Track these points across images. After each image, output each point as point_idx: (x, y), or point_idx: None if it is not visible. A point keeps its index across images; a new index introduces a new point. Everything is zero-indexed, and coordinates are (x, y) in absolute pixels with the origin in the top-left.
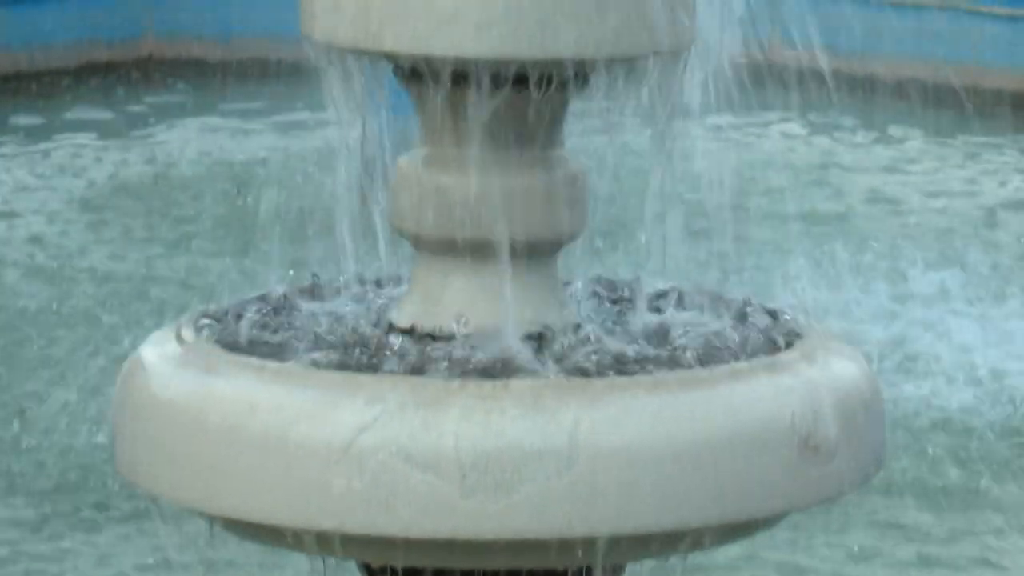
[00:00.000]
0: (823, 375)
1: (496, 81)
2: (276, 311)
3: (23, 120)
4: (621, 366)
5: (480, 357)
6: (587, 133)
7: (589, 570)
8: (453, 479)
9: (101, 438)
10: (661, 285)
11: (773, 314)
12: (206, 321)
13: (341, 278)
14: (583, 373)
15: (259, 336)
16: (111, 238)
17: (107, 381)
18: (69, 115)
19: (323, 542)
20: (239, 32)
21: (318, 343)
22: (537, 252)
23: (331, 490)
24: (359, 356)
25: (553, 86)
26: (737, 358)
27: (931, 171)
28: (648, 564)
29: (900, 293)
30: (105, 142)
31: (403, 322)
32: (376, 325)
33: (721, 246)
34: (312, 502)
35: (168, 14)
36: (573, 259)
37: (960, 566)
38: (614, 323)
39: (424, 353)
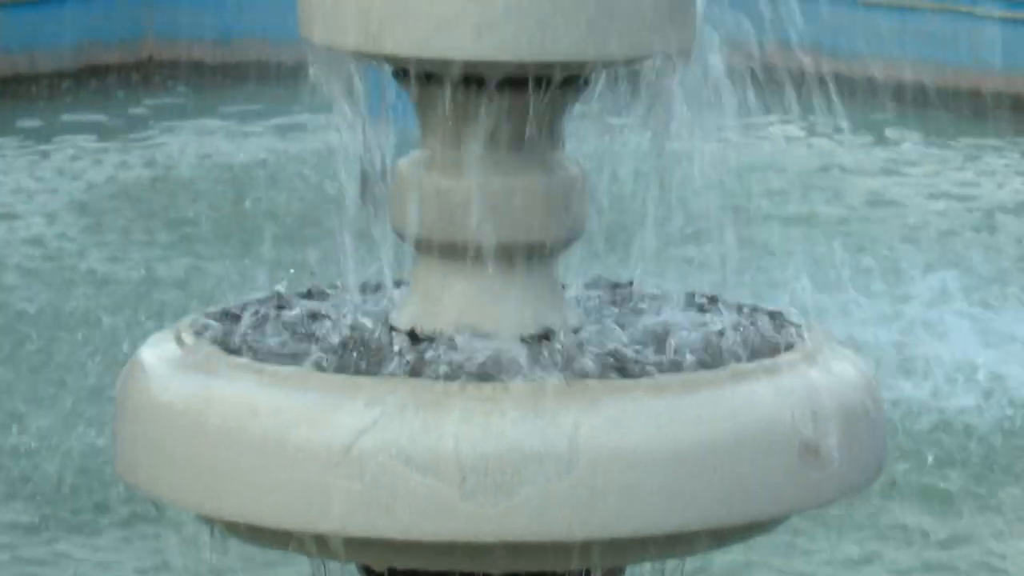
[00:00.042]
0: (824, 378)
1: (496, 84)
2: (276, 313)
3: (23, 122)
4: (621, 368)
5: (479, 360)
6: (587, 135)
7: (589, 573)
8: (453, 481)
9: (101, 441)
10: (661, 287)
11: (773, 316)
12: (206, 323)
13: (340, 280)
14: (583, 376)
15: (259, 339)
16: (111, 240)
17: (107, 384)
18: (69, 117)
19: (323, 544)
20: (239, 34)
21: (318, 346)
22: (537, 254)
23: (331, 493)
24: (359, 359)
25: (553, 88)
26: (738, 361)
27: (931, 173)
28: (647, 567)
29: (900, 295)
30: (105, 144)
31: (403, 324)
32: (376, 327)
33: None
34: (312, 505)
35: (168, 17)
36: (573, 261)
37: (962, 570)
38: (614, 325)
39: (422, 355)
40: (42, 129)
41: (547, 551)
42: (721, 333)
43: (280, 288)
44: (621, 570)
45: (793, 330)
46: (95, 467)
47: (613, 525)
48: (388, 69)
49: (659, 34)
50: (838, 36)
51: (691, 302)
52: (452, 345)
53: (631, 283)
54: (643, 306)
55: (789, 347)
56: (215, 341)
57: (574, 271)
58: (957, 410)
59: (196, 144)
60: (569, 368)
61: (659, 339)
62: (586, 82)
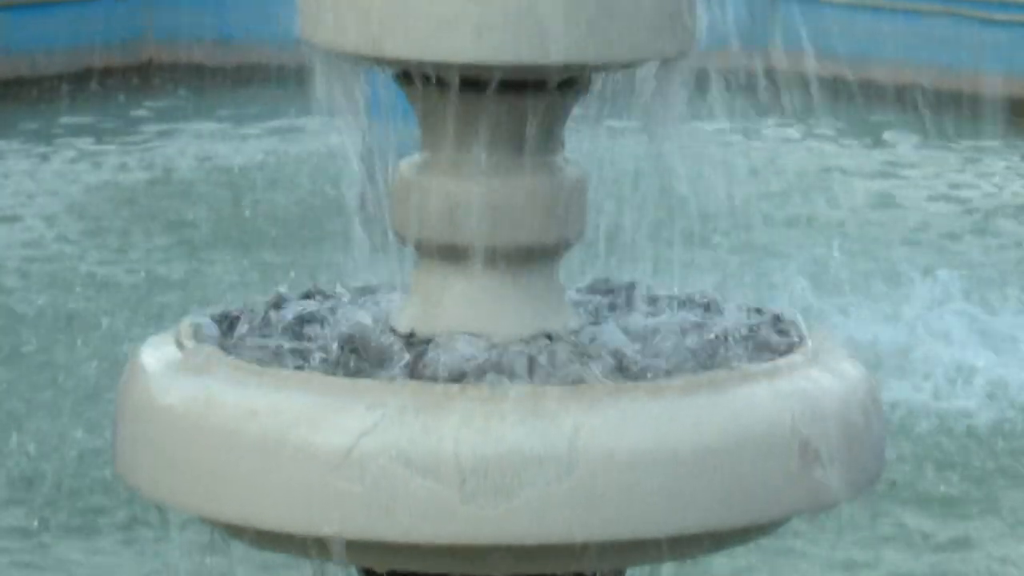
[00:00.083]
0: (824, 380)
1: (496, 86)
2: (276, 316)
3: (23, 125)
4: (621, 371)
5: (477, 362)
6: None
7: None
8: (453, 484)
9: (100, 443)
10: (660, 289)
11: (774, 318)
12: (206, 325)
13: (340, 283)
14: (582, 378)
15: (259, 341)
16: (110, 243)
17: (106, 386)
18: (69, 120)
19: (323, 547)
20: (239, 37)
21: (318, 348)
22: (537, 257)
23: (331, 495)
24: (358, 361)
25: (553, 91)
26: (738, 363)
27: (930, 175)
28: (645, 570)
29: (900, 297)
30: (105, 147)
31: (403, 327)
32: (376, 330)
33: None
34: (312, 507)
35: (168, 19)
36: (573, 263)
37: (963, 574)
38: (614, 327)
39: (421, 358)
40: (42, 131)
41: (547, 553)
42: (721, 335)
43: (280, 290)
44: (621, 572)
45: (793, 332)
46: (94, 470)
47: (613, 527)
48: (389, 72)
49: (659, 37)
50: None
51: (691, 304)
52: (451, 348)
53: (631, 285)
54: (643, 308)
55: (789, 349)
56: (215, 343)
57: (574, 273)
58: (957, 412)
59: (196, 146)
60: (568, 371)
61: (659, 341)
62: (586, 85)
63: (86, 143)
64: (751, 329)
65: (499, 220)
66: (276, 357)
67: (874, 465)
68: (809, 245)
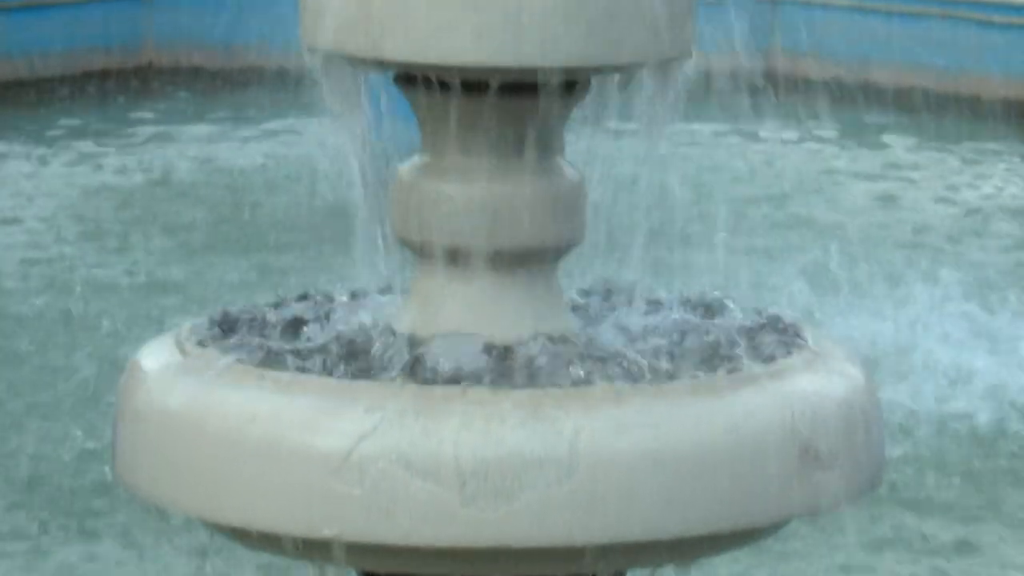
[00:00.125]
0: (824, 382)
1: (496, 89)
2: (276, 318)
3: (23, 127)
4: (621, 373)
5: (475, 365)
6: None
7: None
8: (453, 487)
9: (100, 446)
10: (660, 291)
11: (773, 320)
12: (206, 328)
13: (339, 285)
14: (582, 381)
15: (259, 343)
16: (110, 245)
17: (105, 389)
18: (68, 122)
19: (323, 550)
20: (238, 40)
21: (318, 351)
22: (537, 259)
23: (331, 498)
24: (359, 364)
25: (553, 94)
26: (738, 365)
27: (930, 177)
28: (646, 573)
29: (899, 298)
30: (104, 149)
31: (403, 330)
32: (376, 332)
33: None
34: (312, 510)
35: (168, 22)
36: (572, 265)
37: None
38: (614, 330)
39: (420, 360)
40: (41, 134)
41: (547, 556)
42: (721, 337)
43: (280, 292)
44: (621, 575)
45: (793, 334)
46: (94, 473)
47: (613, 530)
48: (389, 74)
49: (659, 39)
50: (838, 41)
51: (691, 305)
52: (450, 350)
53: (631, 286)
54: (643, 309)
55: (789, 352)
56: (215, 346)
57: (574, 275)
58: (957, 414)
59: (195, 149)
60: (568, 373)
61: (659, 343)
62: (585, 87)
63: (85, 145)
64: (751, 331)
65: (499, 223)
66: (276, 360)
67: (874, 468)
68: (808, 247)
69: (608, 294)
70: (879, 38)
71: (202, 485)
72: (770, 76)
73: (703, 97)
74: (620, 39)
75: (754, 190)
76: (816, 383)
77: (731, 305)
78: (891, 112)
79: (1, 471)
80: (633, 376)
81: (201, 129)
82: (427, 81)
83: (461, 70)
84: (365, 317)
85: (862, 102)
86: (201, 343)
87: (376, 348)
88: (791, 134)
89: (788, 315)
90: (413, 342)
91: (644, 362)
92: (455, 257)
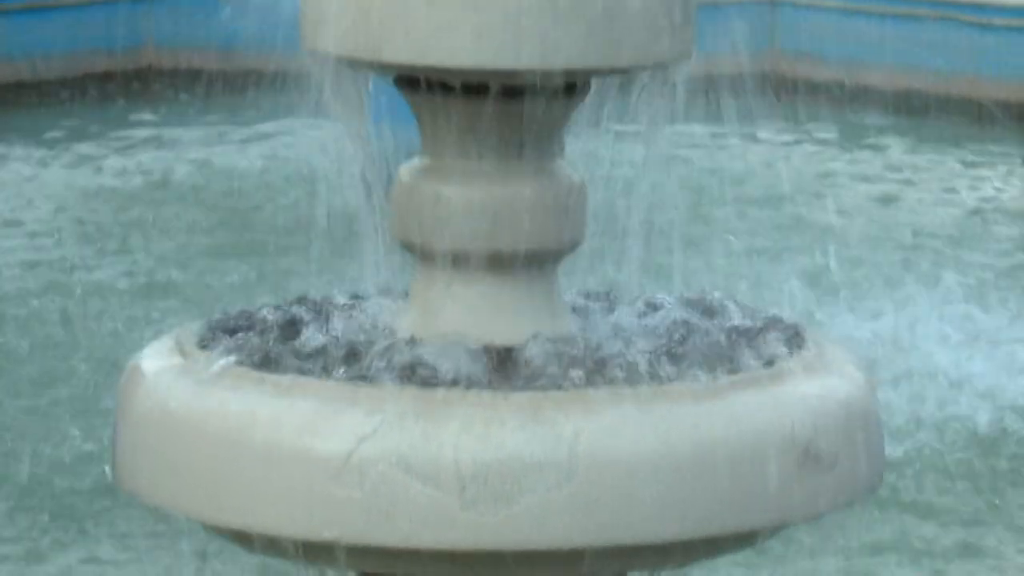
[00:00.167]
0: (823, 384)
1: (495, 91)
2: (276, 321)
3: (24, 129)
4: (619, 376)
5: (474, 367)
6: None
7: None
8: (453, 490)
9: (99, 449)
10: (659, 293)
11: (773, 323)
12: (206, 331)
13: (340, 288)
14: (582, 383)
15: (259, 346)
16: (110, 247)
17: (105, 392)
18: (69, 125)
19: (323, 552)
20: (239, 43)
21: (318, 353)
22: (537, 262)
23: (331, 500)
24: (359, 366)
25: (553, 96)
26: (737, 367)
27: (927, 180)
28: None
29: (899, 301)
30: (104, 152)
31: (403, 332)
32: (377, 335)
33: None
34: (312, 512)
35: (168, 25)
36: (572, 267)
37: None
38: (614, 332)
39: (420, 363)
40: (42, 136)
41: (547, 559)
42: (721, 339)
43: (280, 295)
44: None
45: (792, 337)
46: (92, 476)
47: (613, 533)
48: (389, 76)
49: (659, 42)
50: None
51: (691, 307)
52: (450, 353)
53: (630, 289)
54: (642, 312)
55: (789, 353)
56: (215, 348)
57: (575, 277)
58: (957, 417)
59: (195, 151)
60: (568, 376)
61: (659, 345)
62: (586, 90)
63: (85, 147)
64: (751, 333)
65: (499, 225)
66: (276, 362)
67: (874, 470)
68: (807, 249)
69: (608, 296)
70: (878, 40)
71: (202, 488)
72: (769, 78)
73: (702, 99)
74: (620, 41)
75: (753, 192)
76: (816, 385)
77: (731, 307)
78: (890, 114)
79: None
80: (633, 379)
81: (201, 132)
82: (427, 83)
83: (461, 72)
84: (365, 320)
85: (861, 104)
86: (201, 346)
87: (376, 351)
88: (790, 136)
89: (788, 316)
90: (413, 345)
91: (644, 364)
92: (455, 259)
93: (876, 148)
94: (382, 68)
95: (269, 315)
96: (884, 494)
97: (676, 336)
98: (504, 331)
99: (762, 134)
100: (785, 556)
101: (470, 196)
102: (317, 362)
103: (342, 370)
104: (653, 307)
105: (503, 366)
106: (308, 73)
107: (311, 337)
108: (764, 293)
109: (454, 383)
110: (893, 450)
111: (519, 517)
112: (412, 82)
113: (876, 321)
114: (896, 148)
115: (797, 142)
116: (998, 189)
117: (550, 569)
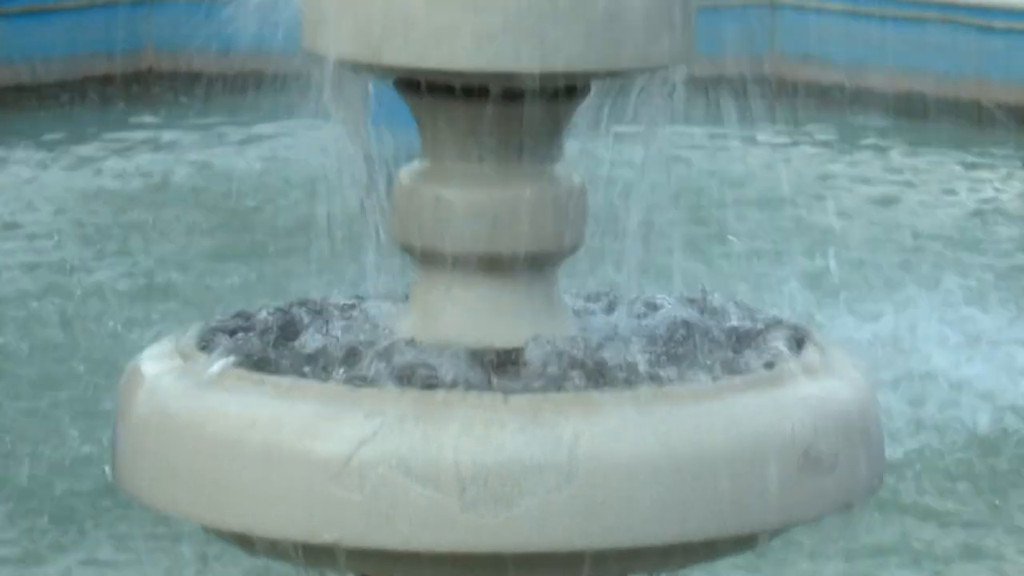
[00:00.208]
0: (824, 387)
1: (495, 94)
2: (276, 324)
3: (24, 132)
4: (619, 378)
5: (475, 370)
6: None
7: None
8: (453, 492)
9: (98, 452)
10: (659, 295)
11: (773, 324)
12: (206, 334)
13: (340, 291)
14: (582, 386)
15: (259, 349)
16: (110, 250)
17: (104, 395)
18: (69, 127)
19: (323, 555)
20: (239, 46)
21: (318, 356)
22: (537, 264)
23: (331, 503)
24: (358, 369)
25: (553, 99)
26: (737, 369)
27: (929, 182)
28: None
29: (899, 303)
30: (104, 154)
31: (403, 335)
32: (376, 338)
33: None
34: (313, 515)
35: (168, 27)
36: (572, 269)
37: None
38: (614, 334)
39: (418, 366)
40: (42, 139)
41: (547, 562)
42: (721, 341)
43: (280, 297)
44: None
45: (793, 337)
46: (91, 479)
47: (613, 536)
48: (389, 79)
49: (659, 44)
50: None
51: (690, 309)
52: (450, 356)
53: (630, 291)
54: (642, 313)
55: (789, 355)
56: (215, 351)
57: (574, 279)
58: (957, 418)
59: (195, 154)
60: (568, 378)
61: (659, 347)
62: (585, 92)
63: (85, 150)
64: (751, 334)
65: (499, 227)
66: (276, 365)
67: (874, 472)
68: (807, 251)
69: (608, 297)
70: (878, 43)
71: (202, 490)
72: (769, 80)
73: (702, 101)
74: (619, 44)
75: (753, 193)
76: (816, 387)
77: (731, 308)
78: (890, 116)
79: None
80: (633, 380)
81: (201, 134)
82: (427, 86)
83: (461, 75)
84: (365, 322)
85: (861, 106)
86: (201, 347)
87: (376, 353)
88: (790, 138)
89: (788, 318)
90: (413, 347)
91: (644, 366)
92: (455, 262)
93: (876, 150)
94: (382, 71)
95: (269, 317)
96: (884, 496)
97: (676, 337)
98: (504, 333)
99: (762, 136)
100: (785, 559)
101: (470, 199)
102: (317, 364)
103: (342, 372)
104: (653, 308)
105: (503, 368)
106: (308, 76)
107: (311, 339)
108: (764, 295)
109: (454, 385)
110: (893, 452)
111: (519, 519)
112: (412, 85)
113: (876, 323)
114: (896, 150)
115: (797, 144)
116: (998, 191)
117: (550, 571)
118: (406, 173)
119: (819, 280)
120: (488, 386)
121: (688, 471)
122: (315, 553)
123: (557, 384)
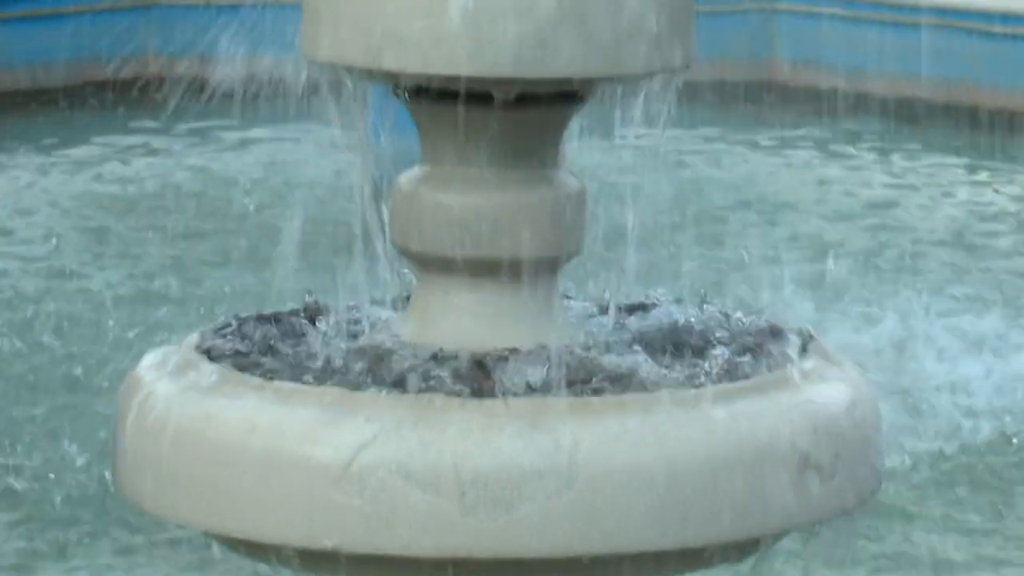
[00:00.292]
0: (823, 392)
1: (496, 99)
2: (275, 329)
3: (24, 137)
4: (619, 383)
5: (475, 375)
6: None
7: None
8: (452, 497)
9: (96, 459)
10: (658, 299)
11: (772, 329)
12: (206, 339)
13: (340, 296)
14: (582, 391)
15: (259, 354)
16: (110, 255)
17: (103, 401)
18: (69, 132)
19: (323, 560)
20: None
21: (318, 361)
22: (537, 269)
23: (331, 508)
24: (357, 374)
25: (553, 104)
26: (737, 374)
27: (928, 187)
28: None
29: (899, 308)
30: (105, 159)
31: (403, 340)
32: (375, 343)
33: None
34: (312, 520)
35: (169, 33)
36: (572, 272)
37: None
38: (614, 339)
39: (418, 371)
40: (42, 143)
41: (547, 567)
42: (720, 346)
43: (280, 304)
44: None
45: (793, 343)
46: (89, 486)
47: (613, 540)
48: (389, 85)
49: (660, 50)
50: (836, 51)
51: (690, 314)
52: (451, 361)
53: (629, 294)
54: (641, 318)
55: (789, 360)
56: (215, 356)
57: (574, 283)
58: (957, 424)
59: (195, 159)
60: (567, 382)
61: (658, 352)
62: (586, 98)
63: (85, 155)
64: (751, 340)
65: (499, 232)
66: (275, 370)
67: (874, 479)
68: (804, 255)
69: (607, 302)
70: (878, 48)
71: (202, 496)
72: (768, 85)
73: (702, 105)
74: (621, 50)
75: (751, 198)
76: (816, 392)
77: (730, 313)
78: (890, 121)
79: None
80: (632, 386)
81: (200, 139)
82: (427, 92)
83: (461, 81)
84: (365, 327)
85: (861, 111)
86: (200, 353)
87: (375, 358)
88: (789, 142)
89: (787, 324)
90: (412, 352)
91: (643, 371)
92: (455, 267)
93: (876, 155)
94: (382, 76)
95: (268, 322)
96: (884, 502)
97: (676, 342)
98: (504, 338)
99: (761, 140)
100: (783, 572)
101: (470, 203)
102: (317, 369)
103: (342, 377)
104: (652, 313)
105: (502, 373)
106: (308, 81)
107: (311, 344)
108: (763, 299)
109: (454, 390)
110: (893, 458)
111: (519, 524)
112: (412, 90)
113: (875, 328)
114: (896, 155)
115: (796, 148)
116: (998, 196)
117: None
118: (406, 178)
119: (818, 285)
120: (488, 391)
121: (688, 477)
122: (315, 559)
123: (556, 389)
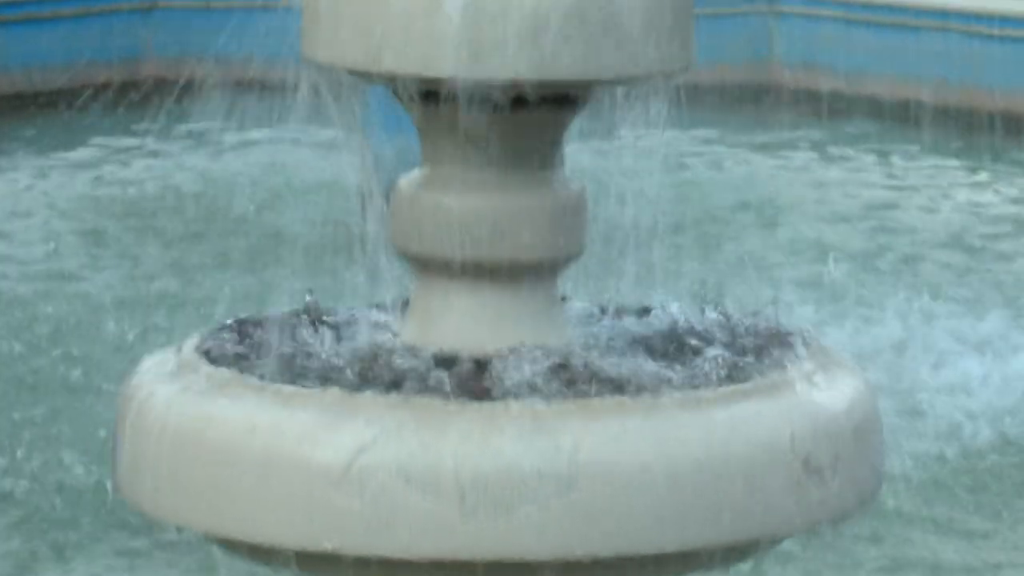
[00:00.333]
0: (824, 395)
1: (496, 102)
2: (275, 331)
3: (21, 140)
4: (619, 386)
5: (475, 377)
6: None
7: None
8: (453, 499)
9: (96, 462)
10: (657, 301)
11: (773, 331)
12: (205, 341)
13: (340, 298)
14: (582, 393)
15: (258, 356)
16: (110, 258)
17: (103, 404)
18: (68, 136)
19: (323, 562)
20: (239, 53)
21: (318, 363)
22: (537, 272)
23: (331, 511)
24: (357, 376)
25: (553, 106)
26: (737, 376)
27: (928, 189)
28: None
29: (899, 310)
30: (104, 161)
31: (402, 342)
32: (375, 345)
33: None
34: (312, 523)
35: (168, 35)
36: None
37: None
38: (614, 341)
39: (417, 373)
40: (40, 147)
41: (548, 569)
42: (721, 348)
43: (280, 306)
44: None
45: (793, 345)
46: (88, 490)
47: (613, 543)
48: (388, 87)
49: (659, 52)
50: (836, 53)
51: (689, 316)
52: (448, 363)
53: (629, 297)
54: (641, 320)
55: (790, 362)
56: (215, 359)
57: (574, 285)
58: (958, 427)
59: (194, 162)
60: (567, 384)
61: (658, 355)
62: (586, 100)
63: (84, 157)
64: (751, 341)
65: (499, 235)
66: (275, 372)
67: (874, 480)
68: (804, 258)
69: (607, 304)
70: (878, 50)
71: (202, 498)
72: (768, 87)
73: (702, 107)
74: (620, 52)
75: (751, 200)
76: (817, 395)
77: (730, 315)
78: (890, 123)
79: None
80: (633, 388)
81: (200, 141)
82: (427, 94)
83: (461, 84)
84: (364, 329)
85: (860, 114)
86: (200, 355)
87: (375, 360)
88: (789, 144)
89: (788, 325)
90: (413, 354)
91: (644, 374)
92: (455, 269)
93: (875, 157)
94: (382, 78)
95: (268, 325)
96: (884, 506)
97: (676, 344)
98: (503, 340)
99: (761, 142)
100: (784, 575)
101: (470, 205)
102: (316, 372)
103: (341, 379)
104: (652, 315)
105: (502, 375)
106: (308, 83)
107: (310, 347)
108: (762, 301)
109: (454, 393)
110: (893, 461)
111: (519, 526)
112: (413, 93)
113: (875, 329)
114: (896, 157)
115: (796, 150)
116: (997, 197)
117: None
118: (406, 180)
119: (817, 287)
120: (488, 393)
121: (688, 479)
122: (315, 561)
123: (556, 391)
